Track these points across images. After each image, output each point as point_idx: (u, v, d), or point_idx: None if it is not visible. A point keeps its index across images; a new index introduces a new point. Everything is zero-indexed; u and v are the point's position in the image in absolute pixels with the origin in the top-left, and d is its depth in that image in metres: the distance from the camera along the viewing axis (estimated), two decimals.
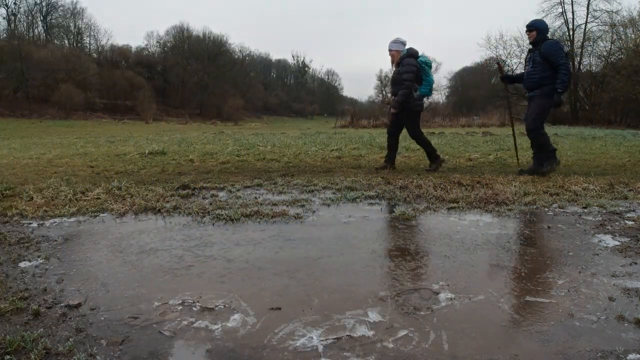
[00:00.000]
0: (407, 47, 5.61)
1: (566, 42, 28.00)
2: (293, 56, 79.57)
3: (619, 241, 2.72)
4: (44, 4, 46.94)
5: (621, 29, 26.08)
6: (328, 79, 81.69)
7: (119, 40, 74.60)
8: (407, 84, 5.43)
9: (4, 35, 41.32)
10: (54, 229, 3.01)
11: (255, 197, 3.97)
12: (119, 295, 1.96)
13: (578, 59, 28.06)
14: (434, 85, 6.55)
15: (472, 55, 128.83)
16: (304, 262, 2.39)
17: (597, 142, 10.67)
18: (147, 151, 7.78)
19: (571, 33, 28.34)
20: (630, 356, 1.47)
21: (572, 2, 28.05)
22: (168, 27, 70.61)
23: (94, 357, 1.48)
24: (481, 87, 41.72)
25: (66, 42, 49.23)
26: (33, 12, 46.53)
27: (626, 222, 3.16)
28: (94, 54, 50.12)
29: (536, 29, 5.20)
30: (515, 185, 4.33)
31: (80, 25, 50.00)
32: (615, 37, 26.58)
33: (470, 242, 2.73)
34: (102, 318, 1.75)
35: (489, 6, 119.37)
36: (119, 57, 51.74)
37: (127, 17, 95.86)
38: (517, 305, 1.87)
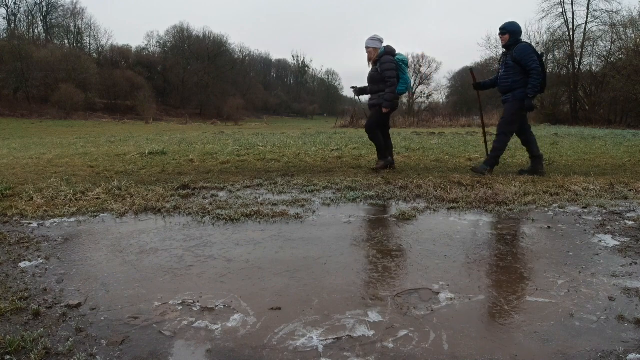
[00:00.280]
0: (384, 44, 5.55)
1: (566, 42, 27.99)
2: (293, 56, 79.76)
3: (619, 241, 2.72)
4: (44, 4, 46.97)
5: (621, 29, 26.04)
6: (328, 79, 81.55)
7: (119, 40, 74.75)
8: (393, 81, 5.43)
9: (4, 35, 41.28)
10: (54, 229, 3.01)
11: (256, 197, 3.97)
12: (119, 295, 1.96)
13: (578, 59, 28.01)
14: (410, 84, 6.60)
15: (472, 55, 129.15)
16: (304, 262, 2.39)
17: (597, 142, 10.67)
18: (147, 151, 7.77)
19: (571, 33, 28.30)
20: (630, 356, 1.47)
21: (572, 2, 28.00)
22: (168, 27, 70.87)
23: (94, 357, 1.48)
24: None
25: (66, 42, 49.22)
26: (33, 12, 46.57)
27: (626, 222, 3.16)
28: (94, 54, 50.09)
29: (508, 32, 5.14)
30: (515, 185, 4.33)
31: (80, 25, 50.03)
32: (615, 37, 26.54)
33: (470, 242, 2.73)
34: (102, 318, 1.75)
35: (489, 6, 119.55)
36: (119, 57, 51.75)
37: (127, 17, 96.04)
38: (517, 305, 1.87)
